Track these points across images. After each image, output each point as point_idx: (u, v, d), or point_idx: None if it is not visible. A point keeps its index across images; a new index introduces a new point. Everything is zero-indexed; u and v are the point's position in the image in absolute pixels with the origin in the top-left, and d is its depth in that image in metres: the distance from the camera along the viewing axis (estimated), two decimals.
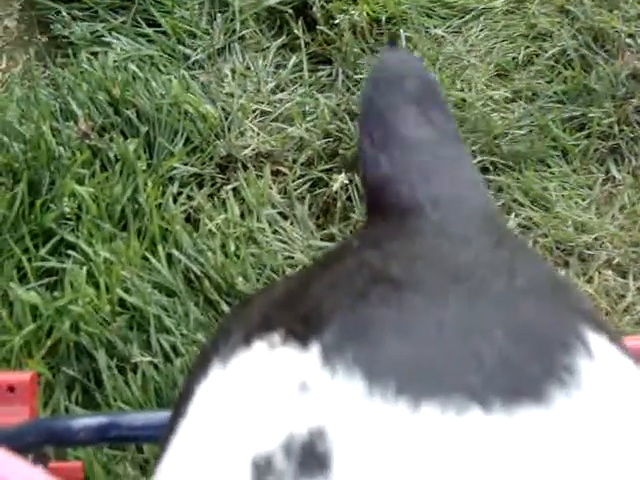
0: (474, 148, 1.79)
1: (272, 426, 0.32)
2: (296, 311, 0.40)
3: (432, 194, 0.53)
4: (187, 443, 0.36)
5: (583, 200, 1.78)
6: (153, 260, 1.58)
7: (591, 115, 1.88)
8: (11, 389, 0.89)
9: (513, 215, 1.73)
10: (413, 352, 0.34)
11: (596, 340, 0.37)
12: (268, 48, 1.99)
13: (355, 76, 1.92)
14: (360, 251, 0.48)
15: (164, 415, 0.78)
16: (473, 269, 0.43)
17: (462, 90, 1.91)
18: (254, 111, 1.85)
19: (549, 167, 1.83)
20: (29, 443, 0.77)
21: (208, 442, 0.34)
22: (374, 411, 0.31)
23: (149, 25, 1.99)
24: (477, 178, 0.60)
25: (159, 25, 1.99)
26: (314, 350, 0.35)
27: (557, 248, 1.70)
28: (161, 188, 1.69)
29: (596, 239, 1.70)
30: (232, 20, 2.00)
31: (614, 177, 1.83)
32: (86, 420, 0.80)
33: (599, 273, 1.66)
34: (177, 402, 0.42)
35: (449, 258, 0.44)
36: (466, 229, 0.50)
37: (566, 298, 0.45)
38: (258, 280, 1.57)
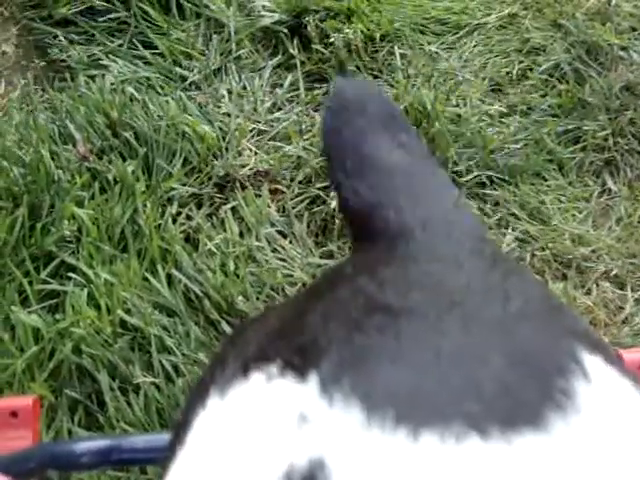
0: (470, 163, 1.80)
1: (273, 457, 0.32)
2: (292, 342, 0.40)
3: (420, 217, 0.53)
4: (187, 475, 0.37)
5: (580, 213, 1.79)
6: (153, 281, 1.58)
7: (586, 128, 1.89)
8: (14, 414, 0.90)
9: (510, 229, 1.74)
10: (411, 381, 0.34)
11: (592, 362, 0.38)
12: (264, 68, 2.00)
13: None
14: (354, 278, 0.48)
15: (166, 437, 0.78)
16: (467, 294, 0.43)
17: (457, 105, 1.92)
18: (251, 130, 1.86)
19: (545, 180, 1.84)
20: (32, 468, 0.78)
21: (208, 474, 0.35)
22: (373, 441, 0.31)
23: (145, 47, 2.01)
24: (460, 198, 0.60)
25: (155, 47, 2.00)
26: (312, 381, 0.35)
27: (555, 261, 1.70)
28: (160, 209, 1.70)
29: (593, 251, 1.71)
30: (228, 41, 2.02)
31: (610, 189, 1.84)
32: (88, 444, 0.80)
33: (597, 285, 1.67)
34: (175, 429, 0.42)
35: (443, 283, 0.45)
36: (458, 252, 0.50)
37: (561, 320, 0.46)
38: (258, 299, 1.58)
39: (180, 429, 0.41)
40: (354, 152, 0.59)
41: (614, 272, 1.68)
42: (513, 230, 1.74)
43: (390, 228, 0.54)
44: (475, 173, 1.80)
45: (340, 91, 0.68)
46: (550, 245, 1.71)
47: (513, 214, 1.77)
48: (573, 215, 1.78)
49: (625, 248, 1.72)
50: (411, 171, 0.59)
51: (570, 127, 1.91)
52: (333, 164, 0.60)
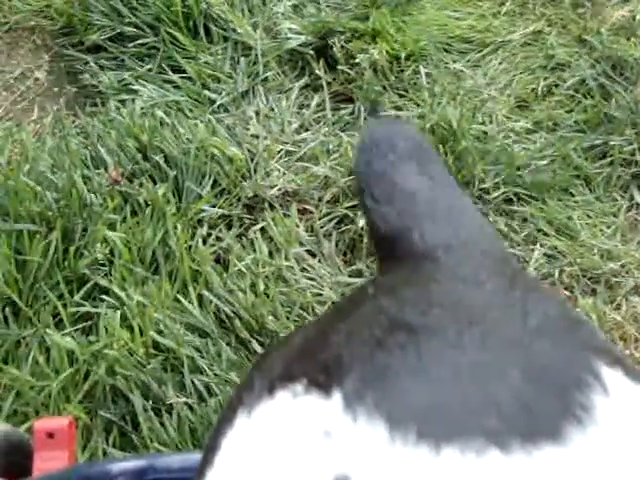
0: (497, 180, 1.81)
1: (297, 474, 0.33)
2: (317, 361, 0.41)
3: (443, 240, 0.55)
4: None
5: (608, 227, 1.78)
6: (185, 302, 1.60)
7: (612, 143, 1.88)
8: (51, 435, 0.92)
9: (538, 245, 1.74)
10: (431, 396, 0.35)
11: (611, 375, 0.38)
12: (291, 89, 2.03)
13: (377, 113, 1.95)
14: (376, 298, 0.49)
15: (199, 457, 0.79)
16: (487, 312, 0.44)
17: (483, 123, 1.93)
18: (279, 151, 1.88)
19: (573, 196, 1.84)
20: None
21: None
22: (396, 456, 0.32)
23: (174, 71, 2.04)
24: (484, 222, 0.62)
25: (184, 71, 2.04)
26: (336, 398, 0.36)
27: (584, 276, 1.70)
28: (191, 230, 1.72)
29: (622, 266, 1.70)
30: (255, 63, 2.05)
31: (638, 203, 1.83)
32: (124, 464, 0.81)
33: (627, 300, 1.66)
34: (205, 452, 0.44)
35: (463, 302, 0.46)
36: (478, 272, 0.51)
37: (580, 334, 0.46)
38: (288, 318, 1.59)
39: (209, 451, 0.42)
40: (383, 181, 0.62)
41: None
42: (541, 246, 1.74)
43: (414, 251, 0.55)
44: (502, 190, 1.80)
45: (371, 130, 0.70)
46: (579, 260, 1.71)
47: (541, 230, 1.77)
48: (601, 230, 1.77)
49: None
50: (436, 197, 0.61)
51: (597, 142, 1.90)
52: (363, 192, 0.63)
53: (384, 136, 0.67)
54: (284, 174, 1.84)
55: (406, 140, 0.66)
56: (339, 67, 2.02)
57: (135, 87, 2.02)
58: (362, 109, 1.97)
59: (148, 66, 2.06)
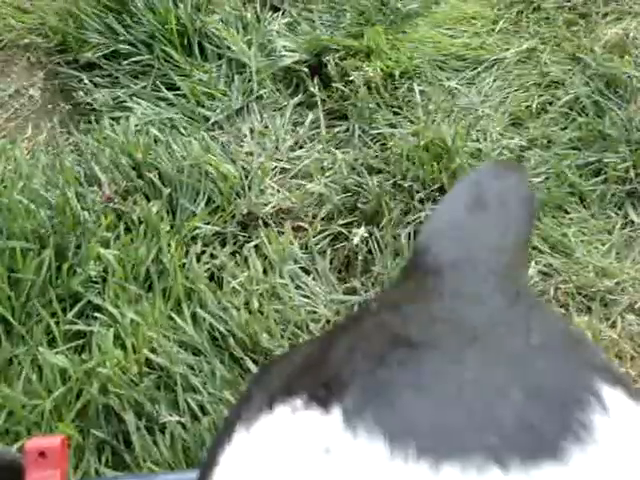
0: None
1: None
2: (317, 376, 0.41)
3: (452, 258, 0.55)
4: None
5: (603, 245, 1.78)
6: (178, 320, 1.59)
7: (607, 160, 1.89)
8: (42, 455, 0.91)
9: (533, 262, 1.73)
10: (432, 413, 0.35)
11: (611, 394, 0.38)
12: (285, 107, 2.03)
13: (371, 131, 1.95)
14: (379, 314, 0.49)
15: (192, 476, 0.79)
16: (489, 329, 0.44)
17: (477, 140, 1.93)
18: (273, 169, 1.88)
19: (567, 213, 1.84)
20: None
21: None
22: (396, 472, 0.32)
23: (169, 89, 2.05)
24: (505, 245, 0.61)
25: (178, 89, 2.04)
26: (336, 413, 0.36)
27: (579, 294, 1.70)
28: (184, 248, 1.72)
29: (617, 283, 1.70)
30: (249, 81, 2.05)
31: (632, 221, 1.83)
32: None
33: (622, 317, 1.66)
34: (202, 469, 0.43)
35: (465, 318, 0.46)
36: (481, 289, 0.51)
37: (581, 354, 0.46)
38: (282, 336, 1.58)
39: (206, 468, 0.41)
40: (446, 204, 0.64)
41: (639, 304, 1.67)
42: (536, 263, 1.74)
43: (427, 266, 0.56)
44: None
45: (482, 172, 0.70)
46: (574, 278, 1.71)
47: (536, 247, 1.76)
48: (596, 247, 1.77)
49: None
50: (472, 225, 0.61)
51: (591, 159, 1.91)
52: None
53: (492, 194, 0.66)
54: (278, 191, 1.84)
55: (507, 181, 0.67)
56: (333, 84, 2.03)
57: (129, 104, 2.02)
58: (356, 126, 1.97)
59: (142, 83, 2.07)
